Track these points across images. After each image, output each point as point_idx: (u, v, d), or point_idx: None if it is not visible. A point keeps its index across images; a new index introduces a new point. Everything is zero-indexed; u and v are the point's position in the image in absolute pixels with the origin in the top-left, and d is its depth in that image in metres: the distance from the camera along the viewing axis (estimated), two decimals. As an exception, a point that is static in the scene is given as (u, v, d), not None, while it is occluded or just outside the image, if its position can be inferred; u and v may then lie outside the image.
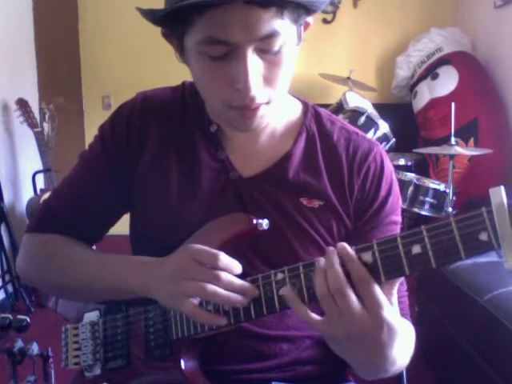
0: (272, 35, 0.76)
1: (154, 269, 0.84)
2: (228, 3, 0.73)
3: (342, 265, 0.69)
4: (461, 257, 0.62)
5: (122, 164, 0.95)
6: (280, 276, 0.75)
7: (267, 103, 0.82)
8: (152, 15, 0.81)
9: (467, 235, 0.62)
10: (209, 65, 0.79)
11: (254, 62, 0.77)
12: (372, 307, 0.68)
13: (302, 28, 0.84)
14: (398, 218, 0.96)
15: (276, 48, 0.78)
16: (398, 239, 0.66)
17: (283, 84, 0.83)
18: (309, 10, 0.81)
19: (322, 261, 0.71)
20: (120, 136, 0.95)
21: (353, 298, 0.68)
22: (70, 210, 0.98)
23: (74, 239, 0.98)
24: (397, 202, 0.95)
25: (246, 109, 0.81)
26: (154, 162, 0.94)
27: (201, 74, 0.83)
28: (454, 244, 0.62)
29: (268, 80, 0.80)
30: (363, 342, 0.70)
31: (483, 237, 0.61)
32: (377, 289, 0.68)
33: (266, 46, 0.77)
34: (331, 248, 0.71)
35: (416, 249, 0.65)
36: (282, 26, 0.77)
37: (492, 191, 0.60)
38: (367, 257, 0.68)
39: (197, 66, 0.82)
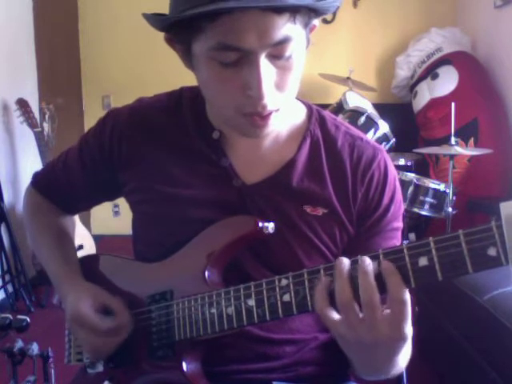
0: (285, 41, 0.75)
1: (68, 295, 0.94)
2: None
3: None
4: (468, 271, 0.61)
5: (106, 163, 0.98)
6: (284, 282, 0.75)
7: (277, 110, 0.81)
8: (160, 23, 0.79)
9: (475, 249, 0.60)
10: (219, 71, 0.78)
11: (266, 69, 0.76)
12: (395, 320, 0.66)
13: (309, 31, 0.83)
14: (400, 224, 0.95)
15: (288, 53, 0.77)
16: (405, 250, 0.65)
17: (293, 89, 0.83)
18: (318, 13, 0.80)
19: (346, 265, 0.69)
20: (104, 143, 0.97)
21: (380, 309, 0.66)
22: (61, 181, 1.07)
23: (60, 216, 1.11)
24: (399, 209, 0.94)
25: (257, 116, 0.80)
26: (154, 168, 0.93)
27: (210, 81, 0.81)
28: (462, 258, 0.61)
29: (279, 86, 0.79)
30: (374, 349, 0.69)
31: (492, 252, 0.59)
32: (409, 306, 0.66)
33: (278, 51, 0.76)
34: (365, 257, 0.68)
35: (423, 261, 0.64)
36: (294, 31, 0.76)
37: (503, 206, 0.58)
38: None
39: (206, 72, 0.80)
